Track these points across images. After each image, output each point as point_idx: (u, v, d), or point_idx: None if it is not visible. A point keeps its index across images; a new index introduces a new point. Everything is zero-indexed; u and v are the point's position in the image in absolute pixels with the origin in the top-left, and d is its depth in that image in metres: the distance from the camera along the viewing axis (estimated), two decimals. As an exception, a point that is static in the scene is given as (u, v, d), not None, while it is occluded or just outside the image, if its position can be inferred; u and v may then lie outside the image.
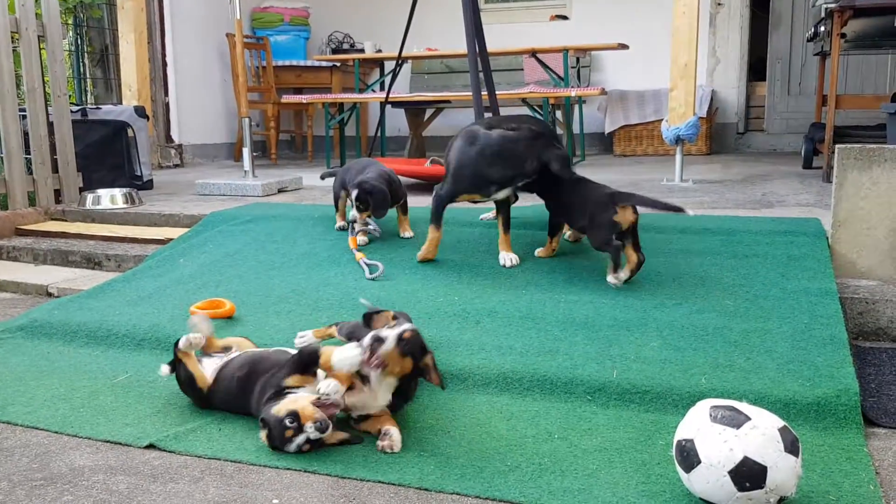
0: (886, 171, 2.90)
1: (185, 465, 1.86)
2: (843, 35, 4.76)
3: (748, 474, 1.49)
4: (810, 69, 7.62)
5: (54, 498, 1.72)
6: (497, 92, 4.98)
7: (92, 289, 3.22)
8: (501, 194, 3.00)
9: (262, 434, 1.92)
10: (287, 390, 1.96)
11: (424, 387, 2.26)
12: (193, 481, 1.78)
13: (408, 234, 3.45)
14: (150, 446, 1.96)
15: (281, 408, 1.90)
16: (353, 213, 3.33)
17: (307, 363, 1.99)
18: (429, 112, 7.70)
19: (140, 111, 5.35)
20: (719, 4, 7.70)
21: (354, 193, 3.27)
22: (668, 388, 2.14)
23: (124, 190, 4.63)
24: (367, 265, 3.08)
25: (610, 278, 2.76)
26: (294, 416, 1.87)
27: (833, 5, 4.71)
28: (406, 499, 1.69)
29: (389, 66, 7.13)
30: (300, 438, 1.87)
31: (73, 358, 2.61)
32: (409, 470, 1.79)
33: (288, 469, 1.82)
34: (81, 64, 7.04)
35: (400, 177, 5.17)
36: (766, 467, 1.48)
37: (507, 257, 3.06)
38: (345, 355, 1.93)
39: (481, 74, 4.42)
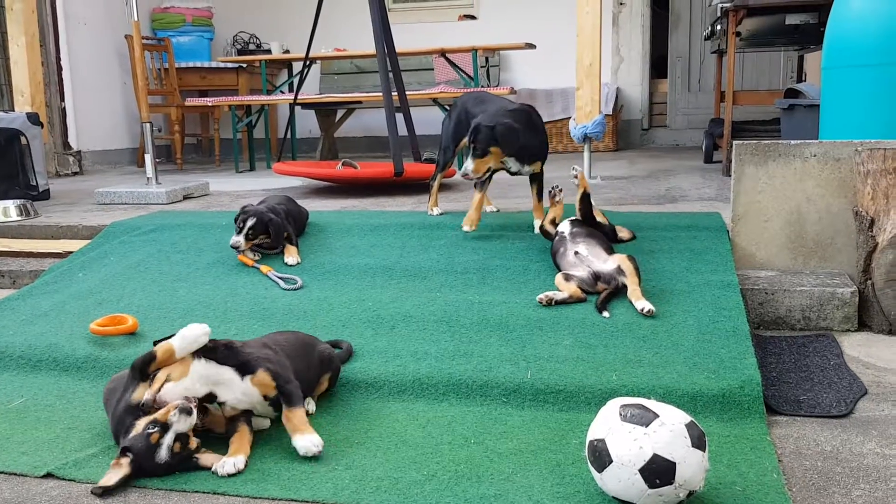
0: (781, 165, 3.02)
1: (86, 494, 1.76)
2: (738, 33, 4.95)
3: (658, 471, 1.51)
4: (709, 66, 7.90)
5: (-59, 538, 1.61)
6: (408, 92, 4.98)
7: (-17, 308, 3.03)
8: None
9: (125, 465, 1.78)
10: (141, 407, 1.86)
11: (338, 398, 2.23)
12: (95, 511, 1.69)
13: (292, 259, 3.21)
14: (49, 475, 1.85)
15: (138, 425, 1.83)
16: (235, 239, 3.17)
17: (142, 369, 1.90)
18: (340, 113, 7.63)
19: (33, 118, 5.09)
20: (621, 4, 7.89)
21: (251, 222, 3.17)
22: (581, 386, 2.16)
23: (18, 201, 4.38)
24: (280, 278, 3.00)
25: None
26: (153, 421, 1.80)
27: (728, 5, 4.89)
28: (321, 515, 1.65)
29: (298, 66, 7.03)
30: (168, 437, 1.78)
31: (-37, 384, 2.45)
32: (322, 485, 1.75)
33: (196, 492, 1.76)
34: (-32, 69, 6.66)
35: (312, 179, 5.13)
36: (674, 463, 1.51)
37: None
38: (190, 333, 1.89)
39: (391, 74, 4.40)
